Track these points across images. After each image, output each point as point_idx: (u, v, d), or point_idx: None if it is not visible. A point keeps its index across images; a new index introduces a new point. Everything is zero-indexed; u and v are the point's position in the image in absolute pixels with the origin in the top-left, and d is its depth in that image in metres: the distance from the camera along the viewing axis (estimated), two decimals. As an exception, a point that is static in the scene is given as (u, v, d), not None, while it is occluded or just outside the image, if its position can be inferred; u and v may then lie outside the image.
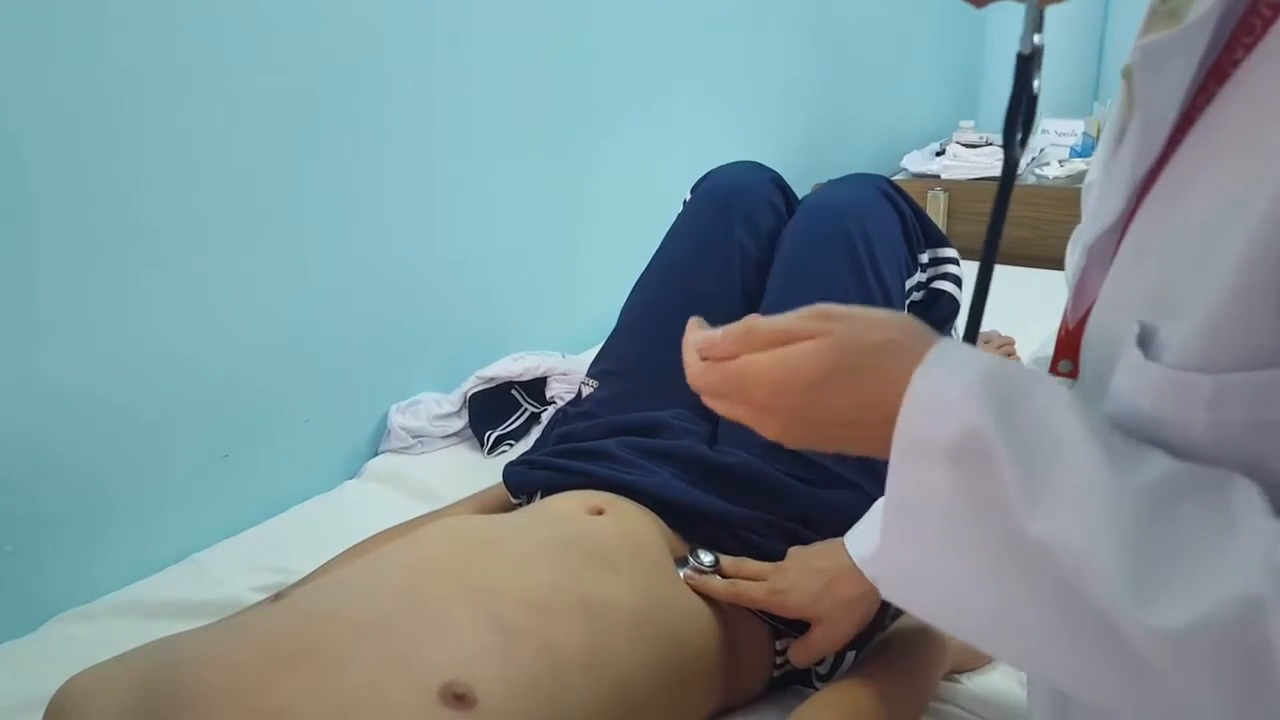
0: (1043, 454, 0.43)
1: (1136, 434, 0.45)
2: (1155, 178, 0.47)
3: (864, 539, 0.84)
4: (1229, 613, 0.37)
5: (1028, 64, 0.53)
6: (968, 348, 0.49)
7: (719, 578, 0.87)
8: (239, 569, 1.13)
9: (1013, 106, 0.55)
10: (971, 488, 0.45)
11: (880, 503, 0.85)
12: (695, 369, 0.57)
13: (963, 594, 0.47)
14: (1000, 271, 2.04)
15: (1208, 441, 0.42)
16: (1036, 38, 0.54)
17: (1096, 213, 0.53)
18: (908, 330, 0.50)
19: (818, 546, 0.89)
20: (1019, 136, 0.56)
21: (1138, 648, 0.40)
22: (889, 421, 0.47)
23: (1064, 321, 0.59)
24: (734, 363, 0.53)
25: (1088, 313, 0.54)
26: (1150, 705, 0.42)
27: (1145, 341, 0.46)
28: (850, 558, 0.83)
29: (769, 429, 0.53)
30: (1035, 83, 0.55)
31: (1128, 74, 0.53)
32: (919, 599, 0.50)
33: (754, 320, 0.52)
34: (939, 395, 0.46)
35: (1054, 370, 0.58)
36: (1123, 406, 0.46)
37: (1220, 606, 0.37)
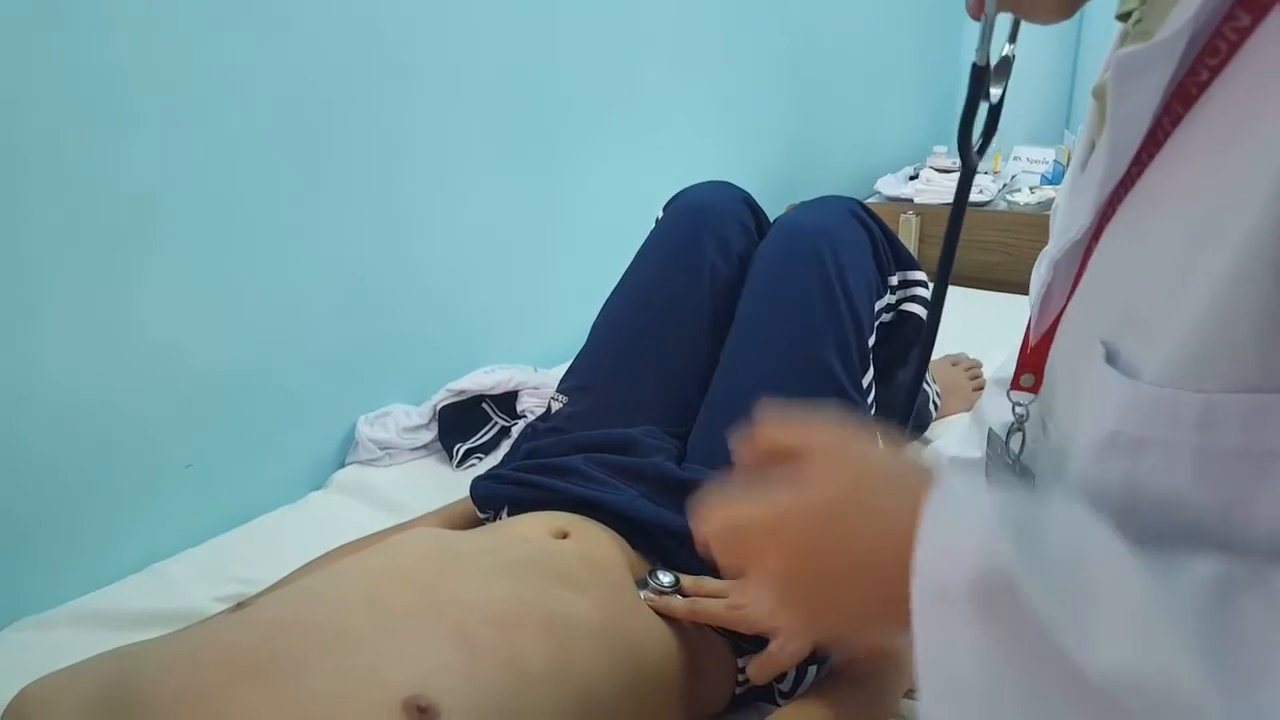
0: (1078, 580, 0.39)
1: (1121, 460, 0.43)
2: (1122, 196, 0.47)
3: None
4: None
5: (982, 74, 0.54)
6: (968, 484, 0.45)
7: (679, 597, 0.88)
8: (202, 579, 1.12)
9: (967, 112, 0.56)
10: (1006, 631, 0.40)
11: None
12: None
13: None
14: (971, 295, 2.06)
15: (1195, 472, 0.41)
16: (1008, 48, 0.55)
17: (1064, 227, 0.53)
18: (893, 481, 0.46)
19: None
20: (980, 144, 0.57)
21: None
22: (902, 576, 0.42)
23: (1026, 337, 0.59)
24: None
25: (1052, 328, 0.54)
26: None
27: (1113, 359, 0.45)
28: None
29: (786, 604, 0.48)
30: (995, 91, 0.56)
31: (1099, 93, 0.54)
32: None
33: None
34: (951, 540, 0.42)
35: (1015, 385, 0.58)
36: (1106, 427, 0.44)
37: None
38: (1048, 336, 0.55)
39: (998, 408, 0.74)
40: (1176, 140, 0.44)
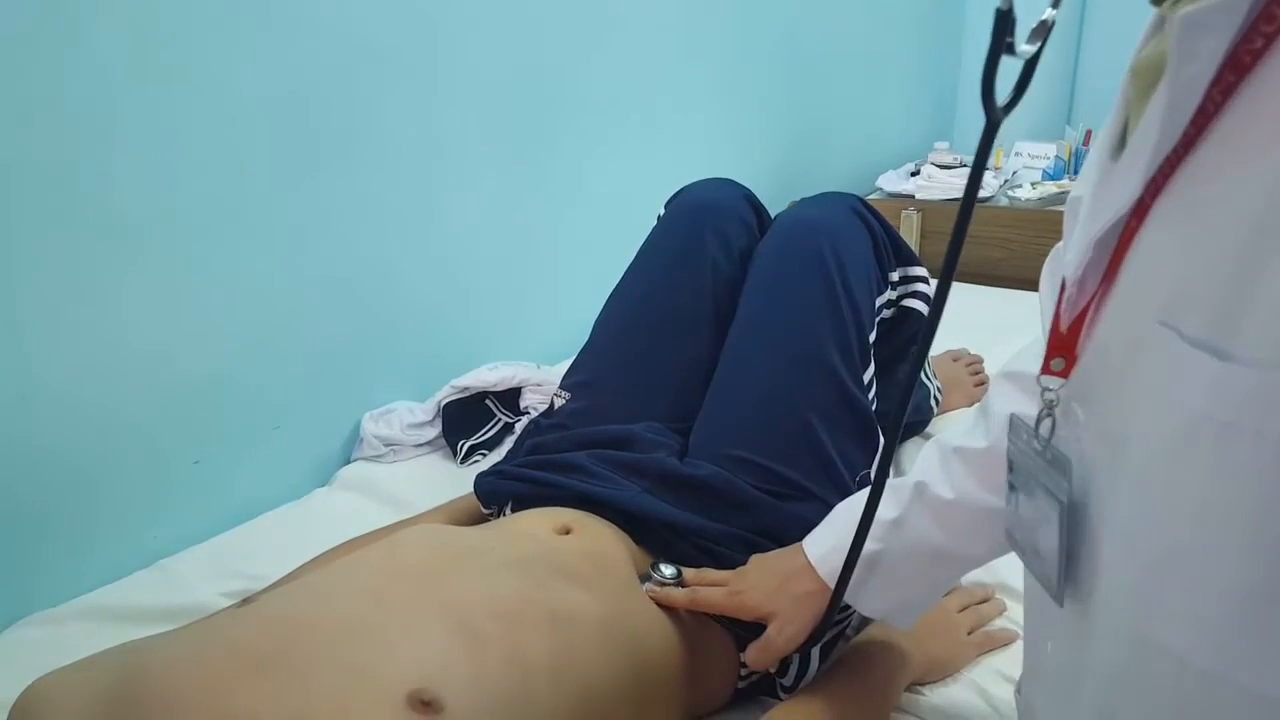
0: None
1: (1202, 449, 0.41)
2: (1169, 172, 0.45)
3: (821, 540, 0.86)
4: None
5: (1004, 19, 0.51)
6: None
7: (680, 588, 0.88)
8: (208, 575, 1.13)
9: (989, 61, 0.52)
10: None
11: (839, 507, 0.88)
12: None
13: None
14: (972, 291, 2.06)
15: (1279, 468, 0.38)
16: (1049, 13, 0.53)
17: (1105, 203, 0.50)
18: None
19: (777, 551, 0.90)
20: (1010, 100, 0.54)
21: None
22: None
23: (1056, 319, 0.56)
24: None
25: (1085, 310, 0.52)
26: None
27: (1193, 340, 0.42)
28: (806, 557, 0.85)
29: None
30: (1029, 48, 0.52)
31: (1140, 69, 0.51)
32: None
33: None
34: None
35: (1045, 370, 0.55)
36: (1186, 411, 0.42)
37: None
38: (1080, 319, 0.53)
39: (1010, 399, 0.74)
40: (1233, 110, 0.42)
